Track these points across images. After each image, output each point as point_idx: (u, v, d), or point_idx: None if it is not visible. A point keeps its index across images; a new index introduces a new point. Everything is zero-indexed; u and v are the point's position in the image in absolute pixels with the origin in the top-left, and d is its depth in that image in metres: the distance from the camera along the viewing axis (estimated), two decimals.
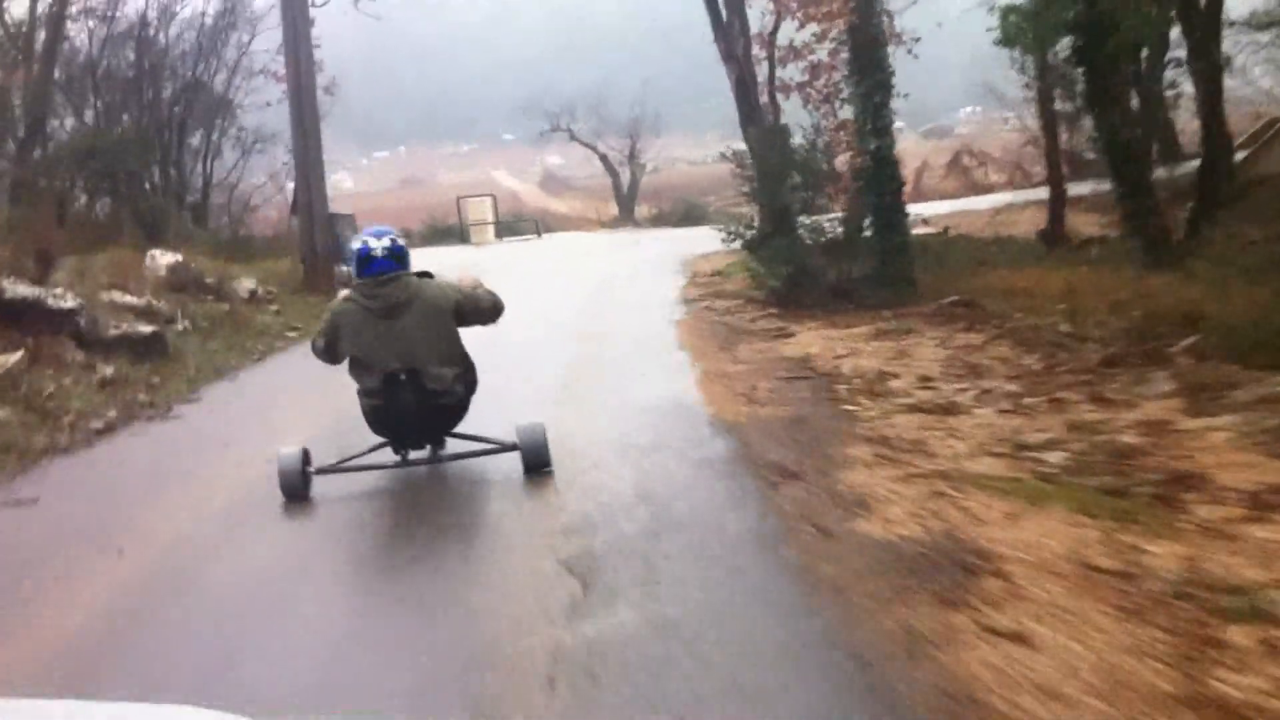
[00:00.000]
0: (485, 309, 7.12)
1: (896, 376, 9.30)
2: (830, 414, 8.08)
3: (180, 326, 14.59)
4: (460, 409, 6.99)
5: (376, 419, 6.87)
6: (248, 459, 7.77)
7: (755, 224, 21.32)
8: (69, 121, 24.90)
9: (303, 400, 10.53)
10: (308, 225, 19.34)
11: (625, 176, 51.83)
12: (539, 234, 36.14)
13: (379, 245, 6.80)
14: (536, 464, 6.75)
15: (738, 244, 16.98)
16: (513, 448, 6.80)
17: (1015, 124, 33.86)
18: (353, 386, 6.91)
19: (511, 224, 38.85)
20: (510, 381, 9.11)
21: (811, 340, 11.58)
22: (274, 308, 17.41)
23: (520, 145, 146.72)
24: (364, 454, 6.92)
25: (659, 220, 39.08)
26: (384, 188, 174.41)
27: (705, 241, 25.85)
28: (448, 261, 27.98)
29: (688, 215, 37.72)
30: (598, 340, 12.61)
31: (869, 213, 14.91)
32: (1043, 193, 28.48)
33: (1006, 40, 16.17)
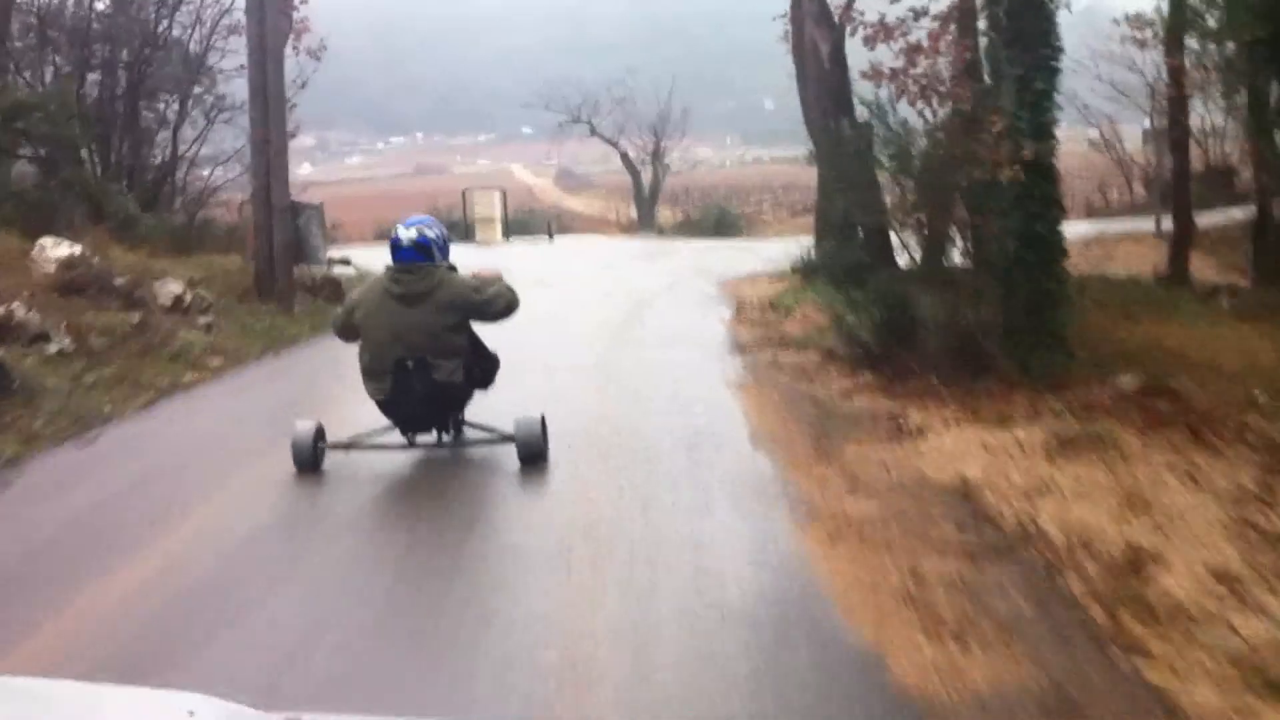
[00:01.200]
0: (499, 310, 7.34)
1: (1159, 561, 5.19)
2: (1108, 679, 4.04)
3: (54, 347, 10.56)
4: (463, 399, 7.34)
5: (383, 403, 7.16)
6: None
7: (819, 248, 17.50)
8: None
9: (174, 492, 6.88)
10: (264, 216, 15.26)
11: (646, 176, 47.70)
12: (551, 236, 32.10)
13: (406, 235, 7.17)
14: (532, 455, 7.02)
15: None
16: (510, 439, 7.08)
17: (1096, 139, 29.75)
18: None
19: (522, 222, 34.77)
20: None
21: (959, 448, 7.27)
22: (205, 320, 13.39)
23: (538, 139, 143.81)
24: (374, 434, 7.28)
25: (686, 228, 34.68)
26: (397, 173, 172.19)
27: (743, 259, 21.93)
28: None
29: (719, 224, 33.58)
30: (627, 428, 8.34)
31: (1003, 242, 10.71)
32: (1133, 223, 24.42)
33: (1174, 27, 12.06)
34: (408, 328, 6.98)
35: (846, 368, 10.55)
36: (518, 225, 33.28)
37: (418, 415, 7.18)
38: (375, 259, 24.14)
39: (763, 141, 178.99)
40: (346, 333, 7.41)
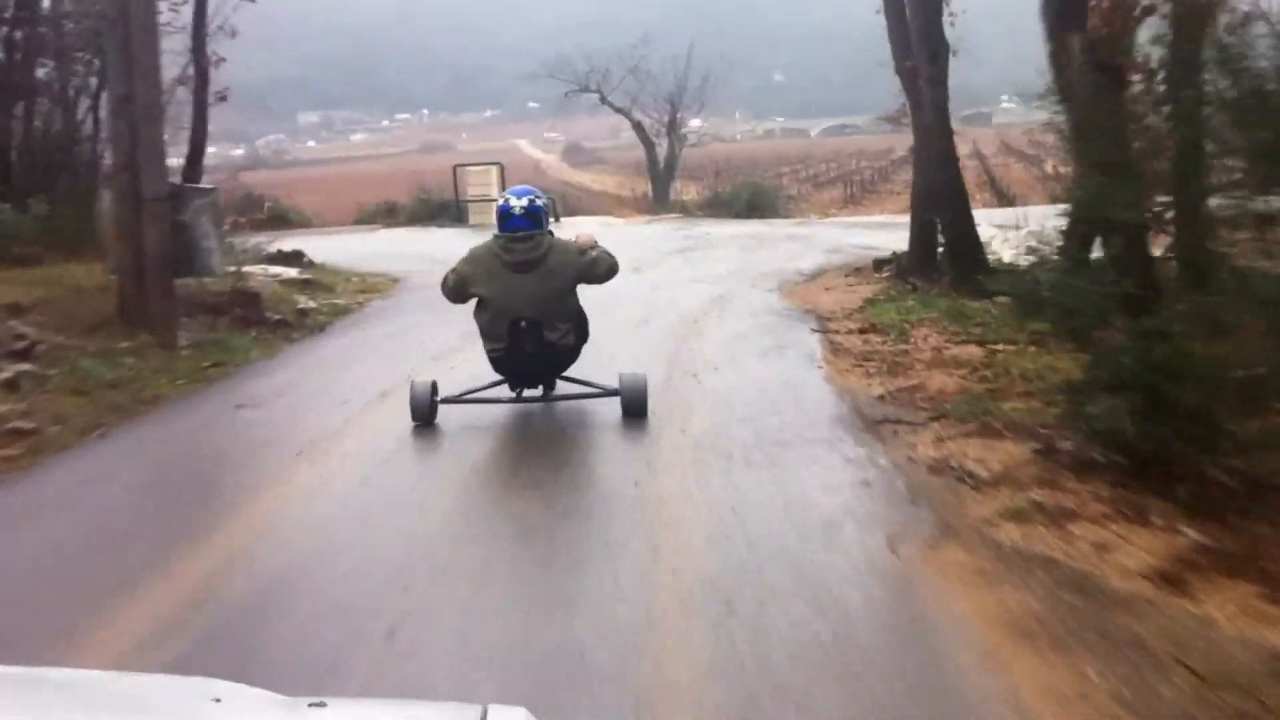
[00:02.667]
0: (602, 273, 7.82)
1: None
2: None
3: None
4: (572, 357, 7.69)
5: (498, 360, 7.57)
6: None
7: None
8: None
9: None
10: (129, 210, 10.15)
11: (662, 150, 42.41)
12: (557, 218, 26.72)
13: (518, 204, 7.56)
14: (636, 410, 7.42)
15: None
16: (615, 393, 7.50)
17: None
18: None
19: None
20: None
21: None
22: (17, 370, 8.43)
23: (546, 115, 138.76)
24: (484, 389, 7.73)
25: (714, 207, 28.49)
26: (403, 150, 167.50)
27: (799, 250, 16.94)
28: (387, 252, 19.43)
29: (752, 203, 27.84)
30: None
31: None
32: None
33: None
34: (523, 292, 7.38)
35: (1088, 479, 5.50)
36: None
37: (529, 373, 7.64)
38: (346, 252, 19.53)
39: (774, 114, 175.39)
40: (458, 297, 7.75)
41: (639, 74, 43.06)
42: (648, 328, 11.27)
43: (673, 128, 42.45)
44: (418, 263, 16.62)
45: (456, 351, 9.52)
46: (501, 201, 7.71)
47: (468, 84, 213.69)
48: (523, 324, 7.33)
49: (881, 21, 13.68)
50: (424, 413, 7.46)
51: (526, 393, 7.73)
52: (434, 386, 7.57)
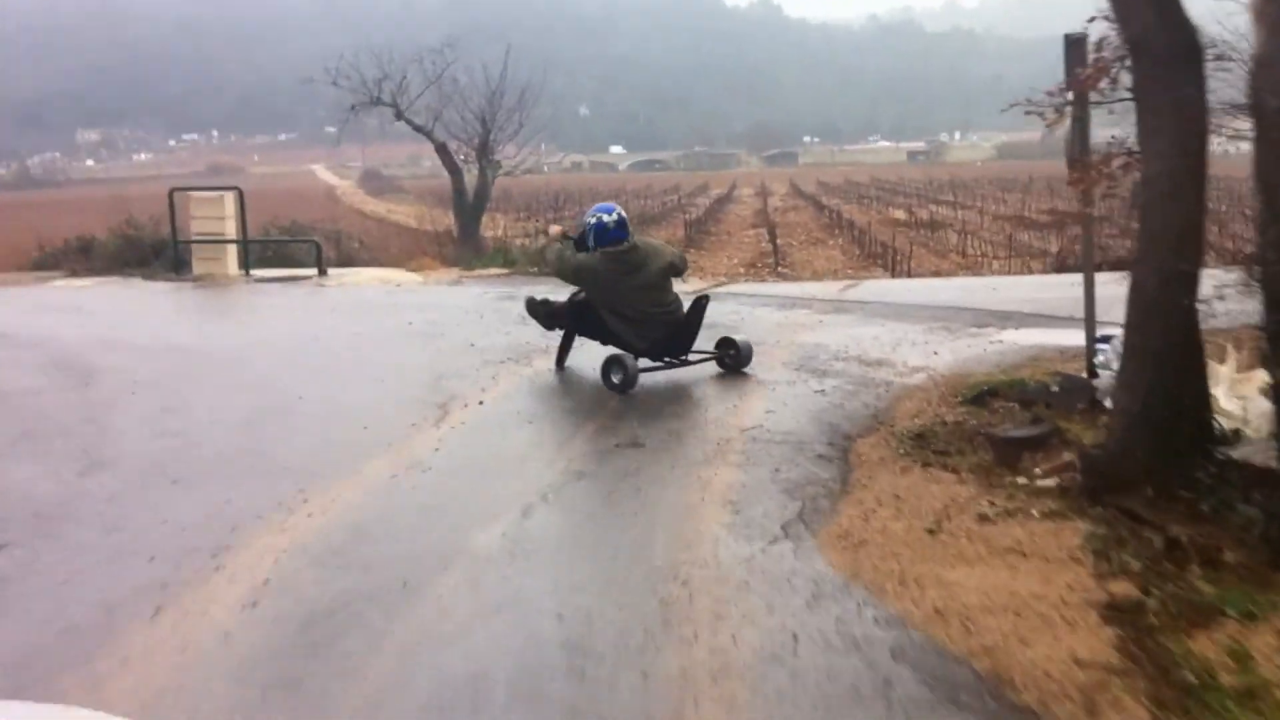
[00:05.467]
0: (684, 267, 9.05)
1: None
2: None
3: None
4: (696, 326, 8.67)
5: (645, 347, 8.42)
6: None
7: None
8: None
9: None
10: None
11: (470, 179, 33.94)
12: (322, 269, 17.99)
13: (610, 219, 8.51)
14: (743, 366, 8.55)
15: None
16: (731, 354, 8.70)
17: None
18: None
19: (278, 241, 20.45)
20: None
21: None
22: None
23: (342, 138, 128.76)
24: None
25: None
26: (189, 171, 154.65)
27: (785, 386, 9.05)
28: None
29: None
30: None
31: None
32: None
33: None
34: (646, 287, 8.46)
35: None
36: (274, 250, 19.30)
37: (671, 345, 8.57)
38: None
39: (578, 147, 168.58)
40: (574, 278, 8.75)
41: (442, 86, 34.46)
42: None
43: (484, 153, 33.97)
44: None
45: None
46: (594, 220, 8.59)
47: (259, 104, 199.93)
48: (655, 311, 8.46)
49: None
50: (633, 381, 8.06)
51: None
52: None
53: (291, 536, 4.88)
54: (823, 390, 7.77)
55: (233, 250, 17.69)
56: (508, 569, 4.54)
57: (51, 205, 50.33)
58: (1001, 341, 9.49)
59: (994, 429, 6.33)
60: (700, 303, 8.61)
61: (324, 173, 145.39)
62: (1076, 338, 9.37)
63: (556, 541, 4.87)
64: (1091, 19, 5.95)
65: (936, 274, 30.62)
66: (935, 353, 9.05)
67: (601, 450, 6.36)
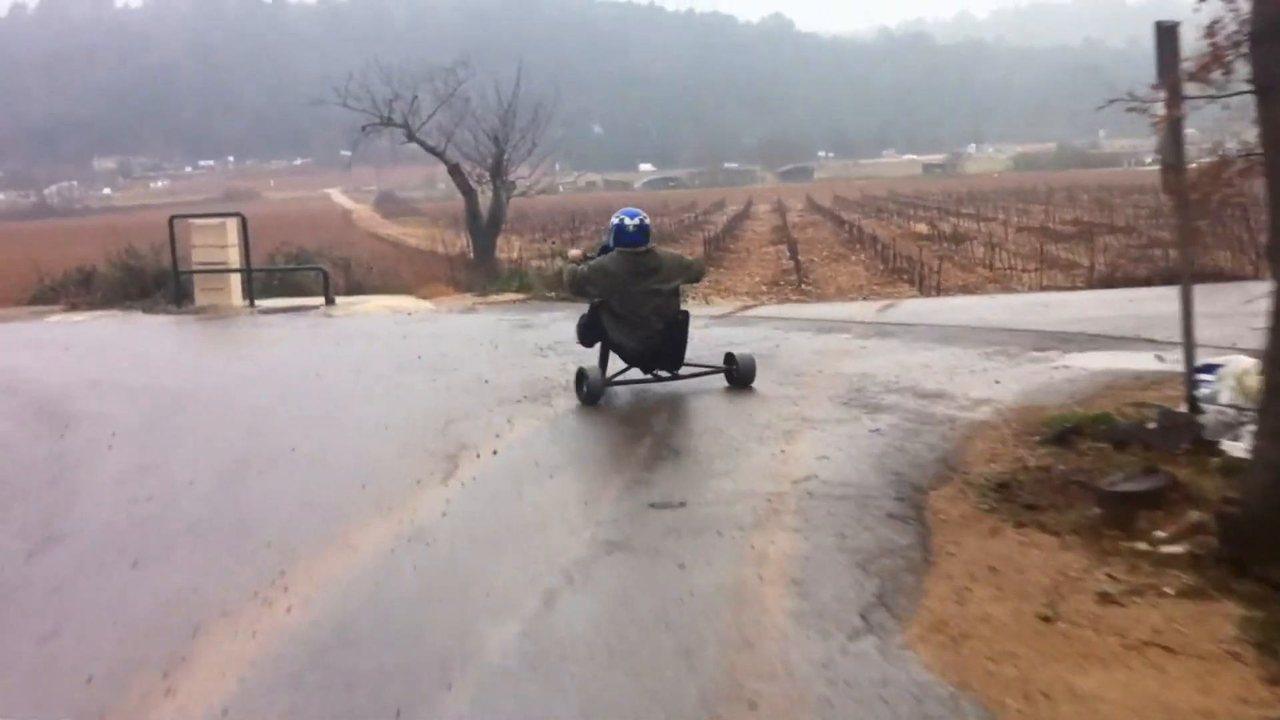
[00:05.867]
0: (697, 274, 9.56)
1: None
2: None
3: None
4: (687, 342, 8.64)
5: (634, 350, 8.57)
6: None
7: None
8: None
9: None
10: None
11: (484, 200, 33.17)
12: (329, 298, 17.14)
13: (632, 223, 8.66)
14: (745, 381, 8.47)
15: None
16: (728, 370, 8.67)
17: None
18: None
19: (283, 270, 19.56)
20: None
21: None
22: None
23: (357, 162, 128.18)
24: (623, 372, 8.66)
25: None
26: (206, 197, 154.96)
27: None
28: None
29: None
30: None
31: None
32: None
33: None
34: (650, 294, 8.55)
35: None
36: (280, 278, 18.44)
37: (662, 356, 8.61)
38: None
39: (593, 166, 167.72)
40: (582, 289, 8.82)
41: (454, 106, 33.70)
42: None
43: (498, 173, 33.18)
44: None
45: None
46: (617, 221, 8.82)
47: (275, 128, 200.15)
48: (652, 318, 8.53)
49: None
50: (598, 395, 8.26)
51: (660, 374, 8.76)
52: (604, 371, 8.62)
53: (263, 643, 3.98)
54: (878, 429, 6.87)
55: (236, 280, 16.86)
56: (528, 685, 3.63)
57: (63, 234, 49.67)
58: (1068, 368, 8.57)
59: (1093, 478, 5.42)
60: (681, 319, 8.63)
61: (339, 196, 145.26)
62: (1151, 362, 8.46)
63: (587, 644, 3.94)
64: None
65: (965, 288, 29.64)
66: (997, 382, 8.14)
67: (634, 512, 5.46)
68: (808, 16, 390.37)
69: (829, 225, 59.68)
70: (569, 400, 8.25)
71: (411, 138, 33.52)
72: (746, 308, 14.84)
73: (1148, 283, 14.59)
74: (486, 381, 9.09)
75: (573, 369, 8.64)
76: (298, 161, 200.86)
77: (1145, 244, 31.89)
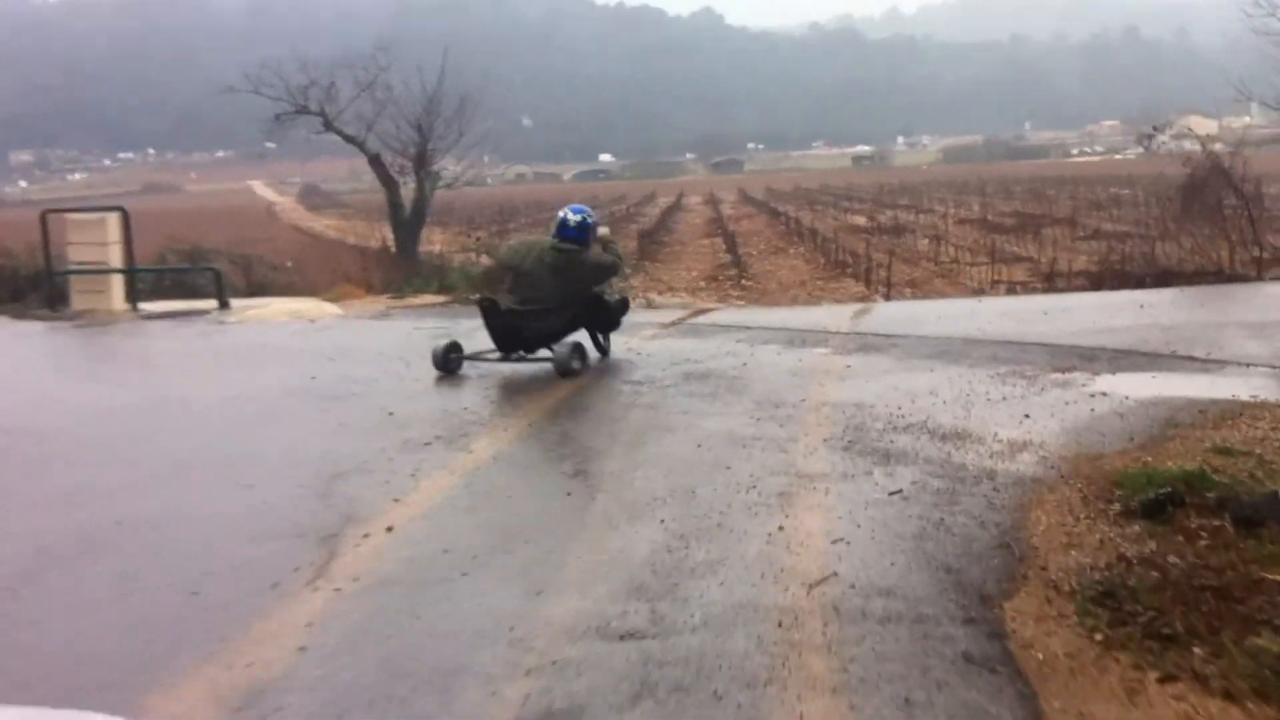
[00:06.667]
0: (610, 270, 9.44)
1: None
2: None
3: None
4: (547, 336, 8.83)
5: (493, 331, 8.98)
6: None
7: None
8: None
9: None
10: None
11: (408, 192, 31.18)
12: (223, 301, 14.95)
13: (574, 219, 9.00)
14: (567, 372, 8.46)
15: None
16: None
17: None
18: None
19: (174, 271, 17.36)
20: None
21: None
22: None
23: (281, 155, 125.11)
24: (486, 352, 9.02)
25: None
26: (124, 190, 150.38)
27: None
28: None
29: None
30: None
31: None
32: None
33: None
34: (528, 284, 8.92)
35: None
36: (176, 280, 16.33)
37: (508, 340, 8.93)
38: None
39: (523, 159, 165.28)
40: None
41: (375, 94, 31.62)
42: None
43: (422, 164, 31.18)
44: None
45: None
46: (562, 214, 9.11)
47: (197, 120, 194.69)
48: (501, 306, 8.87)
49: None
50: (441, 365, 8.77)
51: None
52: (454, 345, 8.97)
53: None
54: (900, 491, 5.19)
55: (119, 282, 14.83)
56: None
57: None
58: (1106, 395, 6.96)
59: (1237, 585, 3.77)
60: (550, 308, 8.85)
61: (263, 189, 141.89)
62: (1209, 389, 6.89)
63: None
64: None
65: (912, 284, 28.21)
66: (1027, 416, 6.51)
67: (587, 645, 3.68)
68: (738, 10, 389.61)
69: (764, 217, 58.22)
70: (492, 441, 6.49)
71: (329, 126, 31.39)
72: (698, 312, 13.07)
73: (1140, 283, 13.08)
74: (391, 414, 7.30)
75: (501, 395, 6.89)
76: (220, 154, 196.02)
77: (1117, 240, 30.64)
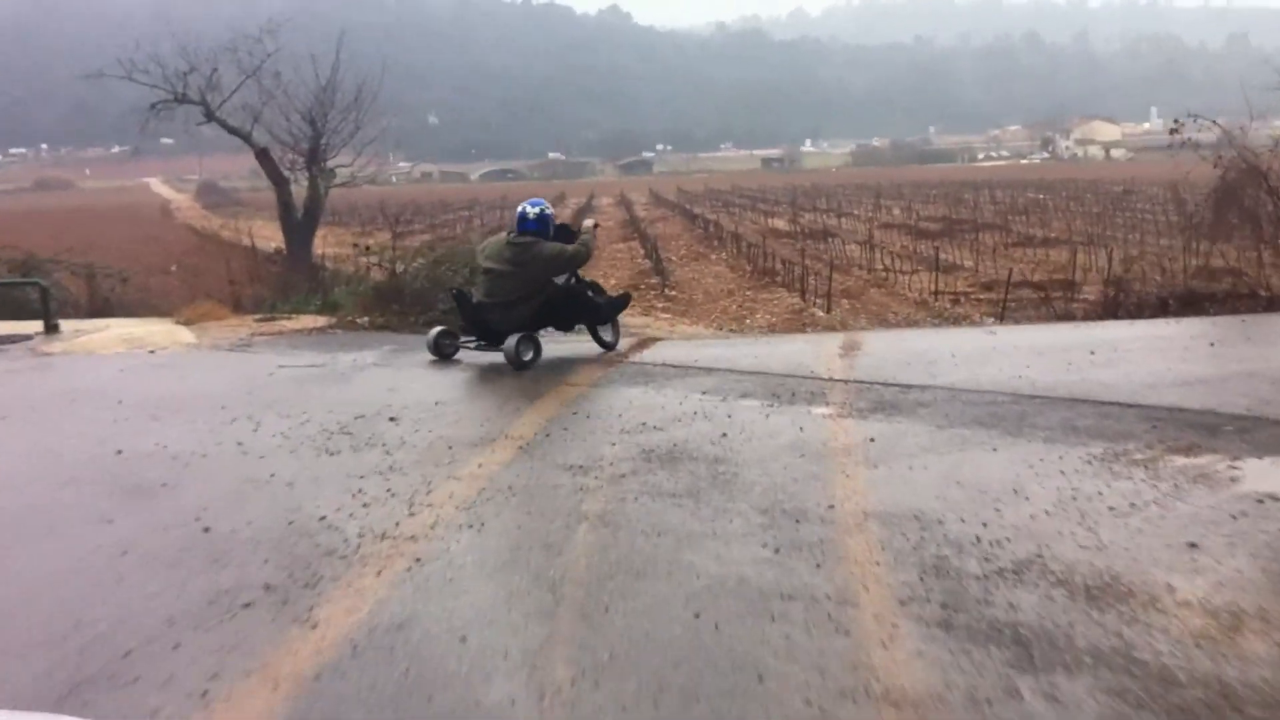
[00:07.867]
0: (568, 259, 9.34)
1: None
2: None
3: None
4: (515, 327, 8.94)
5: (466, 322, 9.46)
6: None
7: None
8: None
9: None
10: None
11: (300, 191, 28.30)
12: (50, 323, 11.90)
13: (533, 211, 9.19)
14: (516, 363, 8.76)
15: None
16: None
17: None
18: None
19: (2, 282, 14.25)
20: None
21: None
22: None
23: (178, 150, 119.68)
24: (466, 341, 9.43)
25: (392, 295, 12.47)
26: (15, 187, 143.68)
27: None
28: None
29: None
30: None
31: None
32: None
33: None
34: (495, 279, 9.16)
35: None
36: (3, 295, 13.26)
37: (481, 330, 9.34)
38: None
39: (429, 157, 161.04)
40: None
41: (262, 81, 28.59)
42: None
43: (314, 160, 28.28)
44: None
45: None
46: (520, 209, 9.29)
47: (92, 114, 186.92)
48: (474, 299, 9.24)
49: None
50: (435, 350, 9.41)
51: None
52: (447, 332, 9.55)
53: None
54: None
55: None
56: None
57: None
58: (1277, 498, 4.64)
59: None
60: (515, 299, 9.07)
61: (159, 186, 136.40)
62: None
63: None
64: None
65: (846, 293, 26.10)
66: (1192, 546, 4.16)
67: None
68: (645, 10, 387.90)
69: (679, 220, 55.99)
70: (353, 600, 3.95)
71: (210, 117, 28.26)
72: (642, 343, 10.45)
73: (1165, 307, 10.80)
74: (207, 530, 4.74)
75: (392, 483, 4.49)
76: (116, 149, 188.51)
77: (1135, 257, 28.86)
